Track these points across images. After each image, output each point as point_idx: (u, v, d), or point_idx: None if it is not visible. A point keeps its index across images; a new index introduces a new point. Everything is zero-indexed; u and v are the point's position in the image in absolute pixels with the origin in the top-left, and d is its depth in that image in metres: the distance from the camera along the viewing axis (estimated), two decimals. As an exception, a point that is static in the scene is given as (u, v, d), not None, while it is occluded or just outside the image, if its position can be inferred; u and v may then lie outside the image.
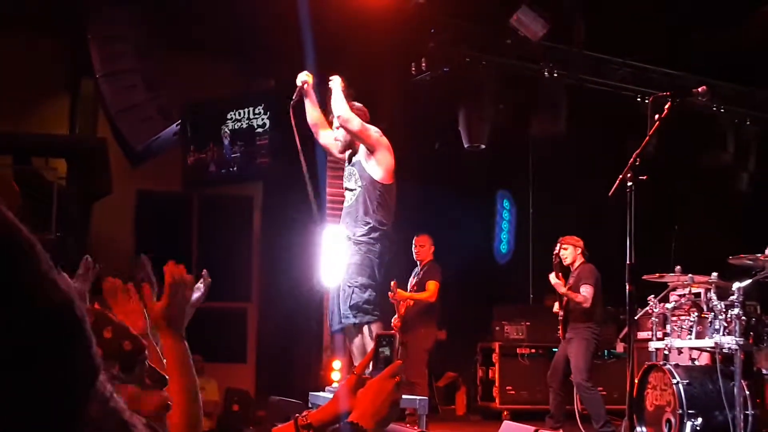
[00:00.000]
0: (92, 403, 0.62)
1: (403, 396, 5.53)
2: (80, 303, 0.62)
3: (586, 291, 7.37)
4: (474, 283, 9.88)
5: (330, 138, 5.85)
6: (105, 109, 8.44)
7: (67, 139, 9.71)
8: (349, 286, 5.42)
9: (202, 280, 2.34)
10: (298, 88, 5.68)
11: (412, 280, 8.37)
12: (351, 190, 5.64)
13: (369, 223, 5.47)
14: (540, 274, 8.17)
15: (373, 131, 5.59)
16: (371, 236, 5.45)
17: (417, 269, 8.39)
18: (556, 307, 7.71)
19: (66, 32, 9.09)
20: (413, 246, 8.40)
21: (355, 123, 5.54)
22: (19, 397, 0.56)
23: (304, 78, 5.68)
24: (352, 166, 5.70)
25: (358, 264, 5.42)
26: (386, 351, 1.85)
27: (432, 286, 8.10)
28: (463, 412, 10.13)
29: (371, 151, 5.53)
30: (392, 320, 7.95)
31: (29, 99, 9.64)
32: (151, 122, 8.33)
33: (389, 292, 7.84)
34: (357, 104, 5.83)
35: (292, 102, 5.72)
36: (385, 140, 5.59)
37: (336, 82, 5.66)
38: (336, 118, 5.63)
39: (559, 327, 7.64)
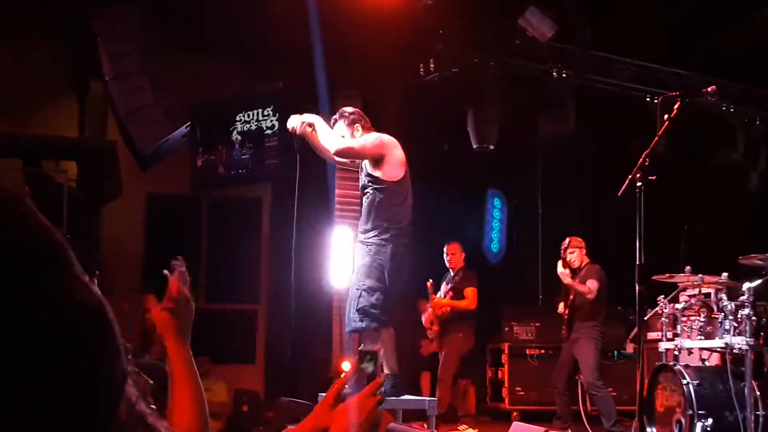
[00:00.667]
0: (122, 405, 0.62)
1: (412, 397, 5.52)
2: (109, 306, 0.64)
3: (591, 284, 7.40)
4: (482, 283, 9.87)
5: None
6: (114, 111, 8.46)
7: (77, 141, 9.75)
8: (357, 289, 5.40)
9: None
10: (294, 135, 5.62)
11: (445, 287, 8.53)
12: (364, 193, 5.64)
13: (379, 224, 5.44)
14: (549, 274, 8.17)
15: (371, 142, 5.51)
16: (382, 237, 5.42)
17: (450, 275, 8.60)
18: (561, 307, 7.74)
19: (75, 35, 9.12)
20: (445, 254, 8.58)
21: (355, 148, 5.51)
22: (54, 397, 0.58)
23: (292, 125, 5.62)
24: (361, 170, 5.70)
25: (366, 266, 5.39)
26: (369, 367, 1.83)
27: (471, 293, 8.34)
28: (472, 413, 10.13)
29: (379, 160, 5.51)
30: (430, 327, 8.15)
31: (39, 101, 9.67)
32: (159, 124, 8.35)
33: (426, 302, 8.04)
34: (348, 109, 5.76)
35: (296, 148, 5.71)
36: (386, 140, 5.54)
37: (311, 121, 5.58)
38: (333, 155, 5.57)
39: (564, 326, 7.66)
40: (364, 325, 5.32)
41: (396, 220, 5.46)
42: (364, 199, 5.61)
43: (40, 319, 0.58)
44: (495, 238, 11.44)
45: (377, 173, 5.49)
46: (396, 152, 5.53)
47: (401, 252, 5.48)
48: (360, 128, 5.62)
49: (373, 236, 5.42)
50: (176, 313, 2.03)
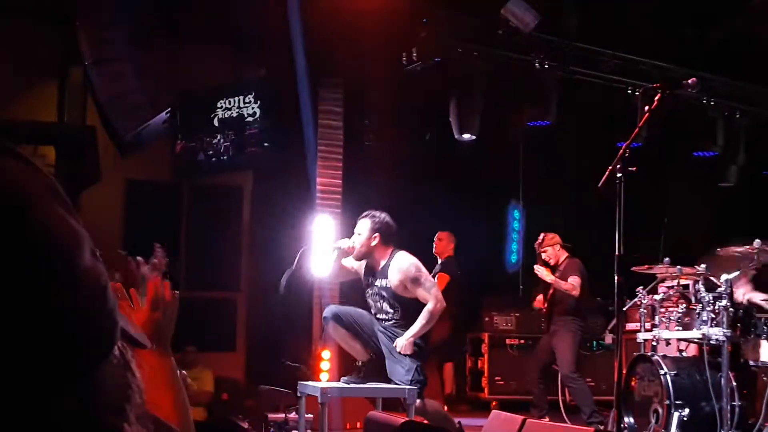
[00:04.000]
0: (106, 367, 0.67)
1: (392, 386, 5.56)
2: (105, 276, 0.67)
3: (573, 280, 7.42)
4: (463, 273, 9.90)
5: (348, 264, 5.82)
6: (94, 97, 8.39)
7: (55, 126, 9.66)
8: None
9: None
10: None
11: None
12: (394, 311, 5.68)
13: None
14: (530, 265, 8.20)
15: (434, 285, 5.67)
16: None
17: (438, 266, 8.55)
18: (539, 300, 7.75)
19: (55, 19, 9.02)
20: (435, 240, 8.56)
21: (438, 301, 5.53)
22: (34, 353, 0.62)
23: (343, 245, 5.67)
24: (383, 295, 5.67)
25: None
26: None
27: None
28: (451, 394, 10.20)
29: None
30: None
31: (17, 86, 9.56)
32: (140, 110, 8.28)
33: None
34: (379, 215, 5.71)
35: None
36: (426, 272, 5.69)
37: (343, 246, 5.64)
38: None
39: (543, 320, 7.69)
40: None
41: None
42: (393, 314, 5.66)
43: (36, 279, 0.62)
44: (514, 250, 11.43)
45: (411, 295, 5.58)
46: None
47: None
48: (378, 239, 5.59)
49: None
50: (159, 320, 1.82)
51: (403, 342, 5.47)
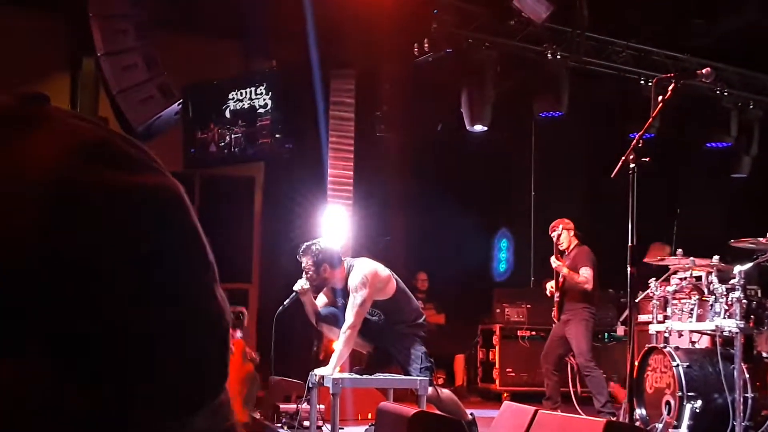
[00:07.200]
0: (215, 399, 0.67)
1: (403, 377, 5.59)
2: (229, 314, 0.68)
3: (586, 272, 7.40)
4: (475, 265, 9.90)
5: (321, 300, 5.91)
6: (106, 88, 8.41)
7: (68, 118, 9.68)
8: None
9: None
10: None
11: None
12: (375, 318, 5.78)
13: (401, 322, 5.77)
14: (540, 256, 8.18)
15: (367, 298, 5.58)
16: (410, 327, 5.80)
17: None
18: (551, 287, 7.72)
19: (67, 10, 9.04)
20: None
21: (361, 312, 5.56)
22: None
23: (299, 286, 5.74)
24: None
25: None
26: None
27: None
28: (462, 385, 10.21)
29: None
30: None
31: (30, 77, 9.59)
32: (152, 102, 8.29)
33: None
34: (316, 247, 5.72)
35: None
36: (369, 283, 5.60)
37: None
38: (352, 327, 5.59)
39: (554, 309, 7.67)
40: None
41: (412, 318, 5.77)
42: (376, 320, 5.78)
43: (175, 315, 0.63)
44: (503, 258, 11.48)
45: (384, 297, 5.72)
46: (378, 279, 5.65)
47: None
48: (326, 268, 5.63)
49: (405, 327, 5.74)
50: None
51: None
